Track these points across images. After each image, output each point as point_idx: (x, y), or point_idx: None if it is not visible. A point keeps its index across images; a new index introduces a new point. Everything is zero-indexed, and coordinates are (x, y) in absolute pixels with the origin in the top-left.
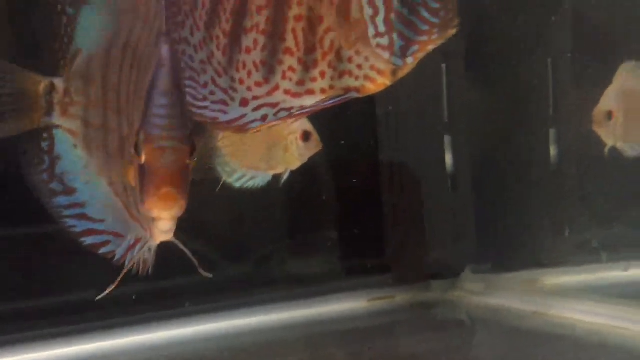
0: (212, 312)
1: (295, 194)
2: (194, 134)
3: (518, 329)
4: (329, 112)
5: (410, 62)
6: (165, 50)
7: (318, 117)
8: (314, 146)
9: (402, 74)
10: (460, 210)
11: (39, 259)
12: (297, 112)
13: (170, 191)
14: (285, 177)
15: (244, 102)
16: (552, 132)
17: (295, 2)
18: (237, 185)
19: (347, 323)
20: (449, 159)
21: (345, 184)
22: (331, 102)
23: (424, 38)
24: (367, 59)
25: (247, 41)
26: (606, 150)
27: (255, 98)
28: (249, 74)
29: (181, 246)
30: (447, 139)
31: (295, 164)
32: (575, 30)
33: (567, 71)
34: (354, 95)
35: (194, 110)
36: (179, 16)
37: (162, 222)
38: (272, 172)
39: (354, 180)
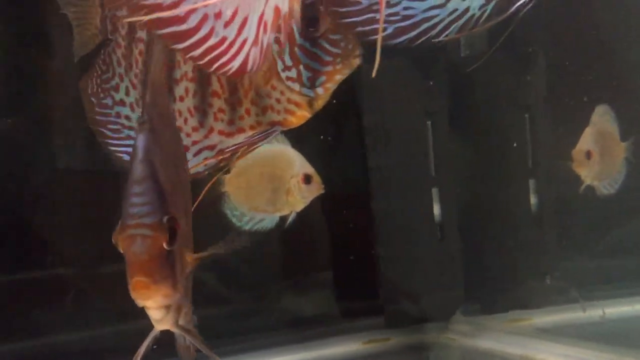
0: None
1: (291, 237)
2: (176, 217)
3: None
4: (326, 163)
5: (321, 92)
6: (140, 138)
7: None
8: (316, 189)
9: (318, 105)
10: (449, 257)
11: None
12: (229, 149)
13: (140, 280)
14: (291, 219)
15: (185, 149)
16: (531, 182)
17: None
18: (247, 227)
19: None
20: (436, 209)
21: (339, 232)
22: (258, 136)
23: (329, 68)
24: (282, 92)
25: (179, 90)
26: (582, 188)
27: (194, 143)
28: (185, 120)
29: (183, 336)
30: (434, 191)
31: (299, 206)
32: (549, 83)
33: (543, 125)
34: (279, 129)
35: None
36: (112, 80)
37: (150, 311)
38: (278, 214)
39: (349, 227)
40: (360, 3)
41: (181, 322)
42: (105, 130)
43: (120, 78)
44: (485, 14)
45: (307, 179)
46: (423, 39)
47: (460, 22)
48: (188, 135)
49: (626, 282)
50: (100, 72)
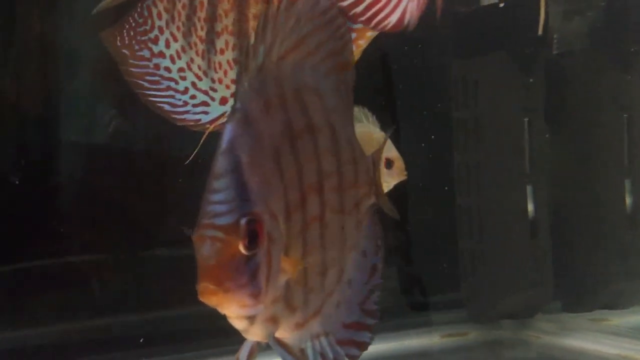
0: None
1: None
2: (260, 218)
3: None
4: (412, 154)
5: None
6: (227, 129)
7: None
8: (397, 174)
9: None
10: (539, 255)
11: None
12: None
13: (206, 287)
14: None
15: (224, 101)
16: (627, 182)
17: (252, 2)
18: None
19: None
20: (530, 207)
21: (423, 225)
22: None
23: (359, 25)
24: None
25: (220, 43)
26: None
27: (233, 95)
28: (225, 73)
29: (278, 350)
30: (529, 189)
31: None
32: None
33: None
34: None
35: (175, 117)
36: (151, 32)
37: (230, 321)
38: None
39: (433, 221)
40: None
41: (281, 334)
42: (143, 82)
43: (160, 31)
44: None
45: (389, 164)
46: None
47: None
48: (227, 87)
49: None
50: (135, 24)
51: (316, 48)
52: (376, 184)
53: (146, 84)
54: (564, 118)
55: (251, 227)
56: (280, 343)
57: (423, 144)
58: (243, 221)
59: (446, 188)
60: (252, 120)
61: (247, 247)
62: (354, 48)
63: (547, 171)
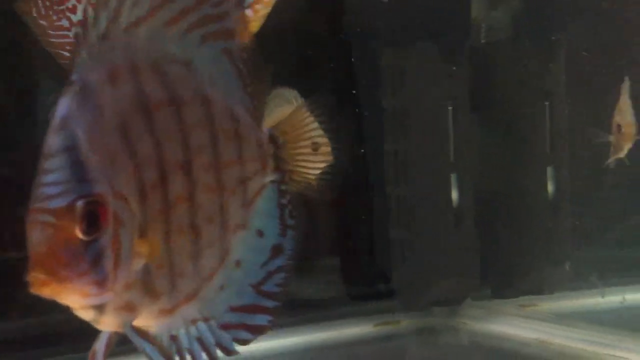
0: None
1: (307, 219)
2: (102, 199)
3: (516, 354)
4: (343, 144)
5: (250, 14)
6: (60, 104)
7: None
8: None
9: (251, 27)
10: (465, 242)
11: None
12: None
13: (35, 277)
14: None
15: None
16: (549, 170)
17: None
18: None
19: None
20: (454, 195)
21: (356, 216)
22: None
23: None
24: None
25: None
26: (611, 162)
27: None
28: None
29: (135, 339)
30: (453, 177)
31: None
32: (569, 72)
33: (563, 113)
34: None
35: None
36: (68, 2)
37: (76, 312)
38: None
39: (366, 212)
40: None
41: (143, 322)
42: (64, 52)
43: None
44: None
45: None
46: None
47: None
48: None
49: None
50: None
51: (181, 14)
52: (281, 159)
53: (67, 54)
54: (488, 106)
55: (90, 209)
56: (138, 332)
57: (356, 133)
58: (79, 203)
59: (377, 177)
60: (92, 93)
61: (84, 232)
62: (250, 14)
63: (471, 159)
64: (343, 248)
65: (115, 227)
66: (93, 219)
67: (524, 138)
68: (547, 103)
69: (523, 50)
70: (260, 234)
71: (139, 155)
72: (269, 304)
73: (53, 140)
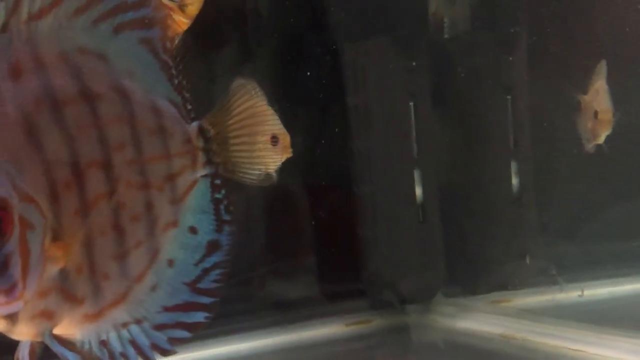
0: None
1: (273, 220)
2: (6, 200)
3: (489, 351)
4: (309, 144)
5: None
6: None
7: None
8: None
9: (190, 10)
10: (430, 239)
11: None
12: None
13: None
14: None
15: None
16: (512, 164)
17: None
18: None
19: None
20: (418, 191)
21: (321, 214)
22: None
23: None
24: None
25: None
26: (591, 147)
27: None
28: None
29: (55, 348)
30: (416, 173)
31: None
32: (530, 65)
33: (525, 106)
34: None
35: None
36: None
37: None
38: None
39: (333, 210)
40: None
41: (65, 329)
42: None
43: None
44: None
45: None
46: None
47: None
48: None
49: (606, 265)
50: None
51: (90, 3)
52: (212, 152)
53: None
54: (450, 102)
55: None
56: (59, 340)
57: (320, 130)
58: None
59: (344, 176)
60: None
61: None
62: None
63: (435, 155)
64: (312, 247)
65: (22, 232)
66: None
67: (486, 133)
68: (508, 97)
69: (482, 44)
70: (193, 230)
71: (48, 153)
72: (206, 300)
73: None
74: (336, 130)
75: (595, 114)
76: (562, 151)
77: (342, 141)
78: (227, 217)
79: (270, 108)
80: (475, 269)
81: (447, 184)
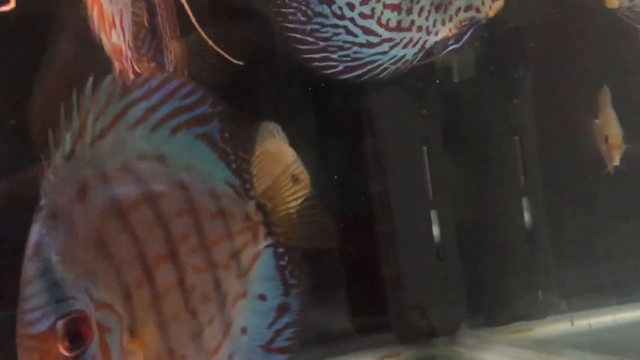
0: None
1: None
2: (85, 315)
3: None
4: (334, 185)
5: None
6: (33, 230)
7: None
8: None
9: None
10: (450, 274)
11: None
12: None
13: None
14: None
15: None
16: (524, 200)
17: None
18: None
19: None
20: (436, 231)
21: (347, 251)
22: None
23: None
24: None
25: None
26: (611, 169)
27: (385, 40)
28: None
29: None
30: (433, 214)
31: None
32: (536, 104)
33: (533, 145)
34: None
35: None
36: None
37: None
38: None
39: (356, 248)
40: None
41: None
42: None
43: None
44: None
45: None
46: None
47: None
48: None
49: (615, 290)
50: None
51: (147, 113)
52: (272, 224)
53: (305, 47)
54: (461, 144)
55: (71, 327)
56: None
57: (341, 173)
58: (59, 324)
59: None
60: (61, 213)
61: (69, 349)
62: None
63: (449, 195)
64: (341, 284)
65: (102, 336)
66: (76, 335)
67: (497, 172)
68: (516, 137)
69: (489, 88)
70: (262, 297)
71: (118, 259)
72: (281, 357)
73: (28, 268)
74: (356, 173)
75: (606, 138)
76: (572, 183)
77: (362, 184)
78: (292, 281)
79: (290, 149)
80: (495, 302)
81: (463, 222)
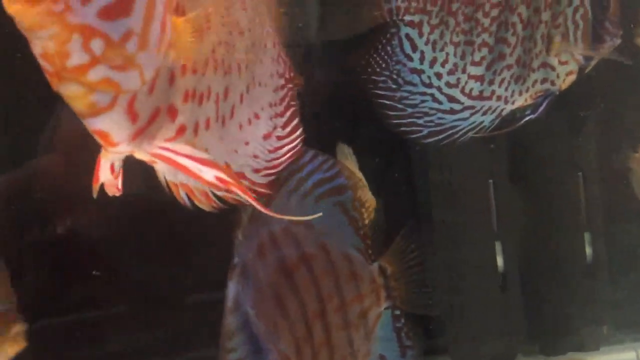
0: None
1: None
2: None
3: None
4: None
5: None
6: (231, 286)
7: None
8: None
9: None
10: (511, 305)
11: None
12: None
13: None
14: None
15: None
16: (586, 235)
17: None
18: None
19: None
20: (499, 261)
21: None
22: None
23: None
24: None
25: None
26: None
27: (477, 97)
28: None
29: None
30: (497, 245)
31: None
32: (598, 144)
33: (595, 182)
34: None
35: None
36: (411, 62)
37: None
38: None
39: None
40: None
41: None
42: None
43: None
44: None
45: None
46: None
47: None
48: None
49: None
50: (389, 54)
51: (299, 184)
52: (390, 288)
53: (394, 113)
54: (526, 179)
55: None
56: None
57: (409, 202)
58: None
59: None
60: (251, 270)
61: None
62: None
63: (514, 228)
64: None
65: None
66: None
67: (560, 207)
68: (580, 174)
69: (554, 127)
70: (382, 358)
71: (292, 315)
72: None
73: (230, 321)
74: (423, 202)
75: None
76: (632, 219)
77: (428, 213)
78: (408, 343)
79: (359, 173)
80: (553, 333)
81: (526, 254)
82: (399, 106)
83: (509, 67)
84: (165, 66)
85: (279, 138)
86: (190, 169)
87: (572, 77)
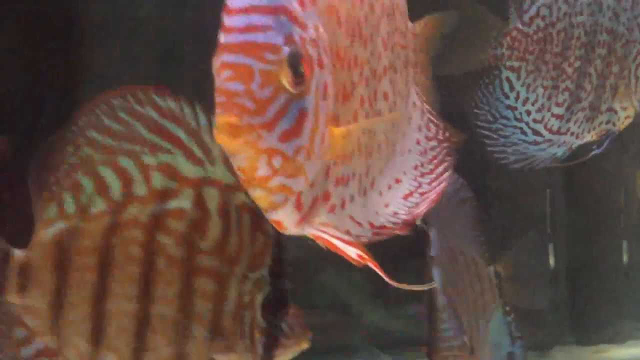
0: None
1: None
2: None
3: None
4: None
5: None
6: (435, 273)
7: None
8: None
9: None
10: (558, 299)
11: None
12: None
13: None
14: None
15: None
16: (624, 243)
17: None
18: None
19: None
20: (551, 261)
21: None
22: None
23: None
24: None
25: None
26: None
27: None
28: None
29: None
30: (550, 246)
31: None
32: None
33: (634, 197)
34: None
35: None
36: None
37: None
38: None
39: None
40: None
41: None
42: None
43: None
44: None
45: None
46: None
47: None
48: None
49: None
50: (490, 92)
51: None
52: (502, 288)
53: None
54: (577, 191)
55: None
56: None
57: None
58: (465, 340)
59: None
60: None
61: None
62: None
63: (564, 232)
64: None
65: None
66: None
67: (604, 217)
68: (622, 189)
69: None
70: (497, 347)
71: (462, 299)
72: None
73: (441, 299)
74: (485, 207)
75: None
76: None
77: (487, 216)
78: (517, 334)
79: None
80: (590, 325)
81: (574, 256)
82: (494, 136)
83: (583, 109)
84: (324, 165)
85: (422, 194)
86: (340, 247)
87: (630, 120)
